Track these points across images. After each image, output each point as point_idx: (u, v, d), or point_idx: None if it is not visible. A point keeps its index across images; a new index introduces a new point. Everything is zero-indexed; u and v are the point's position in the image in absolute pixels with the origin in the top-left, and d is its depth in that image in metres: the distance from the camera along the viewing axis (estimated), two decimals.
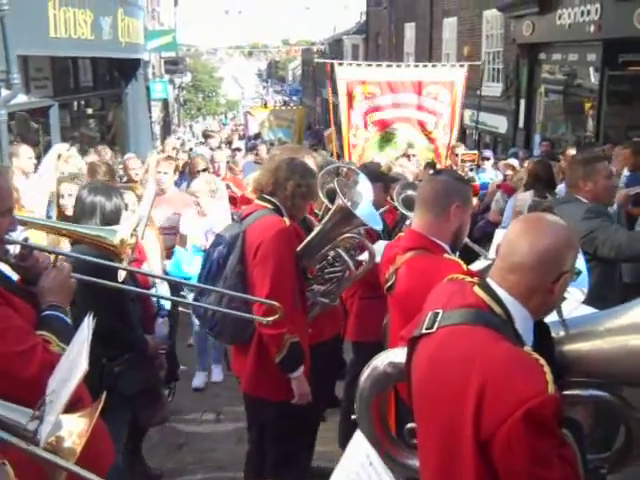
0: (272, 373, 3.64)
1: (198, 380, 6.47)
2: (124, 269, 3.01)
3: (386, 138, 12.03)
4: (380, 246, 4.11)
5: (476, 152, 10.24)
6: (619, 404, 2.15)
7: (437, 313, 2.07)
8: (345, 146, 11.84)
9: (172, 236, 6.36)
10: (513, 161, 10.24)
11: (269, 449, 3.98)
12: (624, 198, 4.86)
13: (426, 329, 2.07)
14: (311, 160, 4.41)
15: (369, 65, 13.08)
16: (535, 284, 1.97)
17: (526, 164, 8.25)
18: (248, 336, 3.71)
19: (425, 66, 13.37)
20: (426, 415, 2.08)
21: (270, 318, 3.27)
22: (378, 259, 3.83)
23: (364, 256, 4.08)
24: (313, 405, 3.84)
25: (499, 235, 4.84)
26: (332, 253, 3.89)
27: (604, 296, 3.59)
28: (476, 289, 2.07)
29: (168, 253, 6.03)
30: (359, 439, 1.72)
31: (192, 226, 6.22)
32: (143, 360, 3.82)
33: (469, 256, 3.52)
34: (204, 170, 7.73)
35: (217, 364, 6.62)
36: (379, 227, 3.97)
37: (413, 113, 12.09)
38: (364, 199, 3.84)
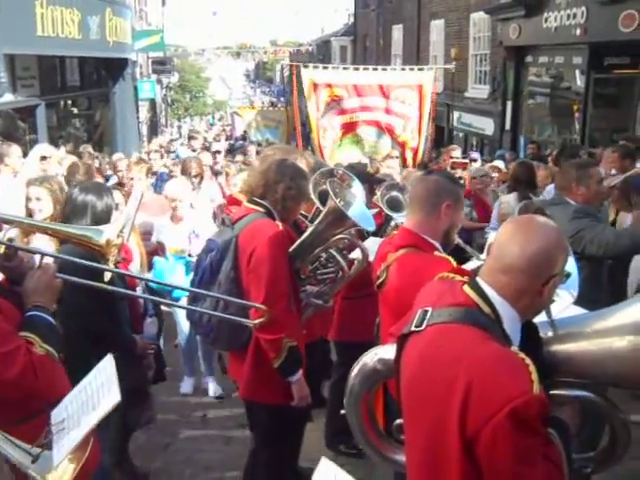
0: (269, 378, 3.63)
1: (186, 386, 6.37)
2: (113, 271, 3.01)
3: (354, 140, 12.02)
4: (371, 244, 4.14)
5: (467, 161, 10.27)
6: (604, 404, 2.18)
7: (426, 311, 2.08)
8: (316, 148, 11.82)
9: (147, 242, 6.18)
10: (499, 163, 10.29)
11: (259, 451, 3.99)
12: (608, 192, 4.92)
13: (415, 327, 2.09)
14: (304, 161, 4.38)
15: (335, 68, 13.07)
16: (525, 286, 1.99)
17: (511, 166, 8.34)
18: (244, 342, 3.69)
19: (393, 69, 13.41)
20: (414, 412, 2.10)
21: (257, 321, 3.28)
22: (371, 258, 3.85)
23: (356, 254, 4.08)
24: (302, 411, 3.86)
25: (493, 237, 4.90)
26: (325, 254, 3.87)
27: (591, 297, 3.62)
28: (466, 288, 2.08)
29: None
30: (325, 463, 1.74)
31: (169, 234, 6.03)
32: (131, 360, 3.82)
33: (460, 257, 3.53)
34: (196, 176, 7.62)
35: (210, 376, 6.36)
36: (372, 228, 3.97)
37: (381, 116, 12.06)
38: (356, 200, 3.84)
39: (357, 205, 3.80)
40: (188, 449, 5.33)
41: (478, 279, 2.08)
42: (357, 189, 3.97)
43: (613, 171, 6.98)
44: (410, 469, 2.16)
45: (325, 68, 12.77)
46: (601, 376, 2.09)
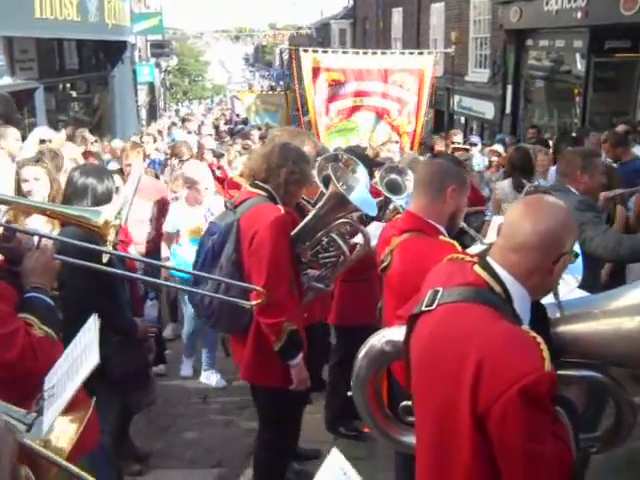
0: (269, 361, 3.64)
1: (186, 369, 6.37)
2: (113, 253, 3.01)
3: (349, 126, 11.97)
4: (373, 229, 4.14)
5: (468, 147, 10.23)
6: (611, 384, 2.19)
7: (437, 291, 2.10)
8: (314, 132, 11.78)
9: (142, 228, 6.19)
10: (498, 147, 10.28)
11: (260, 433, 4.01)
12: (604, 201, 4.79)
13: (426, 306, 2.10)
14: (310, 144, 4.35)
15: (334, 52, 12.97)
16: (536, 264, 2.01)
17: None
18: (245, 325, 3.68)
19: (393, 53, 13.31)
20: (425, 391, 2.11)
21: (254, 302, 3.27)
22: (373, 243, 3.85)
23: (358, 239, 4.08)
24: (303, 394, 3.88)
25: (496, 222, 4.89)
26: (326, 238, 3.86)
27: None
28: (476, 268, 2.10)
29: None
30: (335, 454, 1.75)
31: (185, 216, 5.96)
32: (132, 343, 3.83)
33: (464, 240, 3.54)
34: (187, 160, 7.58)
35: (211, 369, 6.31)
36: (374, 213, 3.96)
37: (378, 101, 12.00)
38: (359, 185, 3.83)
39: (359, 190, 3.79)
40: (188, 431, 5.36)
41: (488, 259, 2.10)
42: (361, 174, 3.95)
43: (608, 160, 6.99)
44: (420, 446, 2.17)
45: (325, 52, 12.69)
46: (609, 356, 2.11)
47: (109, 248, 2.92)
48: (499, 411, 1.80)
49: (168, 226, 6.06)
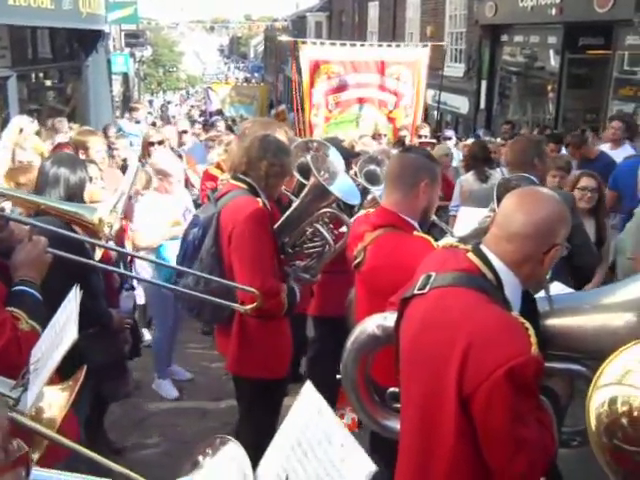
0: (253, 352, 3.65)
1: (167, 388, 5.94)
2: (102, 246, 3.00)
3: (348, 119, 11.98)
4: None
5: (435, 141, 10.29)
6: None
7: (430, 275, 2.14)
8: (307, 126, 11.75)
9: None
10: (471, 142, 10.34)
11: (241, 423, 4.01)
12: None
13: (418, 290, 2.15)
14: (283, 135, 4.35)
15: (333, 44, 12.96)
16: (528, 253, 2.06)
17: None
18: (227, 316, 3.70)
19: (389, 46, 13.32)
20: (414, 372, 2.14)
21: (249, 307, 3.29)
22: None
23: (343, 229, 4.07)
24: (283, 381, 3.89)
25: (464, 213, 4.93)
26: (310, 228, 3.86)
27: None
28: (470, 255, 2.14)
29: None
30: (309, 389, 1.75)
31: (162, 208, 5.67)
32: (108, 334, 3.81)
33: (434, 233, 3.56)
34: (160, 143, 7.43)
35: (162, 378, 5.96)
36: (357, 202, 3.96)
37: (375, 93, 12.04)
38: (339, 174, 3.82)
39: (341, 179, 3.78)
40: (163, 424, 5.34)
41: (482, 246, 2.14)
42: (334, 157, 3.94)
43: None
44: (405, 428, 2.21)
45: (322, 44, 12.70)
46: (595, 351, 2.13)
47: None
48: (485, 393, 1.84)
49: (141, 222, 5.68)
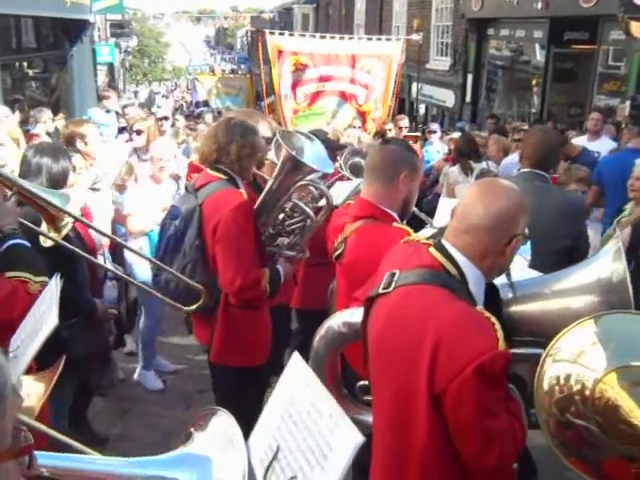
0: (236, 342, 3.66)
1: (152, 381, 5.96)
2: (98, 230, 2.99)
3: (317, 111, 11.95)
4: (338, 189, 4.09)
5: (419, 134, 10.32)
6: None
7: (394, 273, 2.13)
8: (280, 115, 11.74)
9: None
10: (457, 135, 10.37)
11: None
12: None
13: (383, 289, 2.13)
14: (266, 125, 4.33)
15: (302, 35, 12.92)
16: (489, 245, 2.05)
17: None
18: (211, 307, 3.69)
19: (360, 39, 13.30)
20: (383, 372, 2.15)
21: (193, 307, 3.41)
22: (338, 202, 3.85)
23: (323, 202, 4.06)
24: (264, 372, 3.89)
25: (443, 204, 4.95)
26: (289, 204, 3.83)
27: None
28: (431, 250, 2.14)
29: None
30: (296, 361, 1.78)
31: (154, 197, 5.68)
32: (91, 324, 3.80)
33: (415, 225, 3.57)
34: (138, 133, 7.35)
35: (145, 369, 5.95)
36: (330, 170, 3.92)
37: (346, 86, 12.01)
38: (308, 145, 3.78)
39: (310, 149, 3.71)
40: (147, 415, 5.34)
41: (443, 241, 2.13)
42: (319, 149, 3.92)
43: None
44: (377, 427, 2.21)
45: (292, 35, 12.63)
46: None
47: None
48: (456, 389, 1.85)
49: (136, 208, 5.67)
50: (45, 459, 1.44)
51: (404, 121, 10.35)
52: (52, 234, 2.92)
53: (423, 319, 1.97)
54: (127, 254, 5.47)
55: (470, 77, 18.34)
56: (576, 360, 1.57)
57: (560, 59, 14.51)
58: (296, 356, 1.79)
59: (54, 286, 2.07)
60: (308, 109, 11.85)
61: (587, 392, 1.51)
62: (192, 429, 1.69)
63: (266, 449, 1.74)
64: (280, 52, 11.65)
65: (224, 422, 1.69)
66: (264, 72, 12.91)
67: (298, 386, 1.74)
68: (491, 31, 17.53)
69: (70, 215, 2.95)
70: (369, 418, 2.38)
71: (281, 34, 12.57)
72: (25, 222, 2.90)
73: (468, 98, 18.44)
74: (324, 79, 11.85)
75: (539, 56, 15.26)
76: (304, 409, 1.70)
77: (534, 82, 15.80)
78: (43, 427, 1.70)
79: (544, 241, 2.30)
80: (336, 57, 11.85)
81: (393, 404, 2.07)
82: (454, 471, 1.98)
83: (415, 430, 1.97)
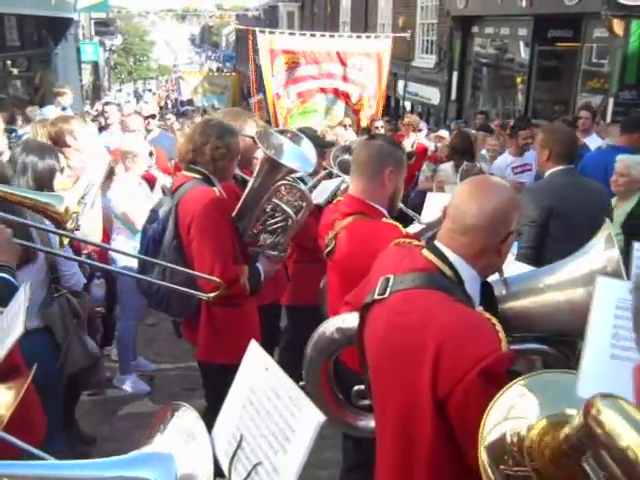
0: (221, 339, 3.66)
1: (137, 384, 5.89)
2: (68, 236, 2.98)
3: (311, 109, 11.95)
4: (323, 187, 4.07)
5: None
6: (558, 356, 2.26)
7: (388, 278, 2.09)
8: (272, 113, 11.72)
9: None
10: (443, 132, 10.41)
11: (212, 413, 4.01)
12: None
13: (379, 295, 2.09)
14: (253, 125, 4.33)
15: (292, 34, 12.91)
16: (484, 244, 2.03)
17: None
18: (195, 307, 3.70)
19: (350, 37, 13.31)
20: (385, 379, 2.12)
21: (212, 294, 3.28)
22: (320, 200, 3.83)
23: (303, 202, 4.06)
24: None
25: (430, 199, 4.97)
26: (269, 205, 3.82)
27: None
28: (425, 252, 2.11)
29: None
30: (254, 348, 1.79)
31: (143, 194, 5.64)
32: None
33: (403, 221, 3.59)
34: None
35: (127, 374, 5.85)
36: (310, 169, 3.92)
37: (339, 84, 12.02)
38: (287, 145, 3.78)
39: (290, 148, 3.71)
40: (136, 414, 5.33)
41: (437, 242, 2.10)
42: (307, 147, 3.93)
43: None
44: (380, 431, 2.19)
45: (282, 34, 12.62)
46: (554, 328, 2.19)
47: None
48: (461, 394, 1.83)
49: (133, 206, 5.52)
50: (3, 468, 1.44)
51: (379, 122, 10.34)
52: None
53: (422, 325, 1.93)
54: (113, 254, 5.41)
55: (455, 75, 18.37)
56: (507, 416, 1.54)
57: (544, 57, 14.57)
58: (253, 343, 1.81)
59: (22, 293, 2.05)
60: (302, 107, 11.84)
61: (523, 440, 1.48)
62: (155, 427, 1.70)
63: (230, 439, 1.76)
64: (272, 51, 11.63)
65: (186, 417, 1.71)
66: (252, 70, 12.86)
67: (257, 373, 1.76)
68: (476, 29, 17.58)
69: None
70: (367, 423, 2.37)
71: (271, 32, 12.55)
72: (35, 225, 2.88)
73: (453, 96, 18.48)
74: (317, 77, 11.85)
75: (524, 54, 15.32)
76: (264, 395, 1.72)
77: (519, 80, 15.86)
78: (10, 437, 1.70)
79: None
80: (328, 55, 11.87)
81: (396, 410, 2.04)
82: (460, 476, 1.96)
83: (420, 436, 1.95)
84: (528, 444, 1.44)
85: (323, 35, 12.95)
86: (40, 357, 3.40)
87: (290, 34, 12.81)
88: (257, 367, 1.78)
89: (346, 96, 11.95)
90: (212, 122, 3.79)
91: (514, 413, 1.53)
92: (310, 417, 1.60)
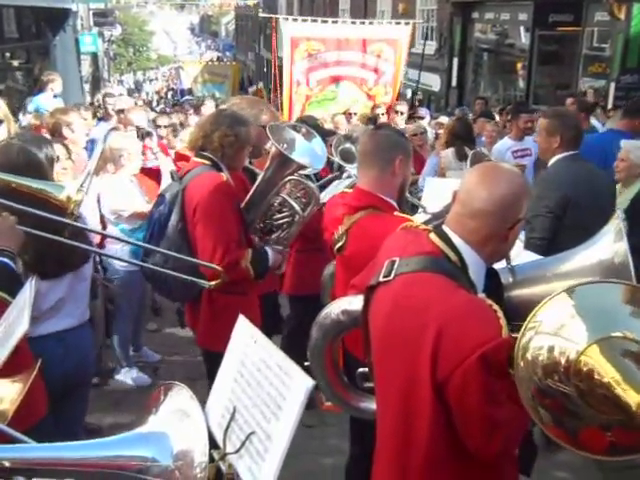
0: (222, 326, 3.64)
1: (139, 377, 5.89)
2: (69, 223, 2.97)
3: (329, 97, 11.91)
4: (333, 187, 4.06)
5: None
6: None
7: (394, 261, 2.10)
8: (286, 104, 11.67)
9: None
10: (443, 119, 10.36)
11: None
12: None
13: (384, 277, 2.10)
14: (269, 114, 4.31)
15: (314, 21, 12.85)
16: (493, 230, 2.03)
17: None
18: (197, 292, 3.69)
19: (371, 23, 13.26)
20: (387, 360, 2.13)
21: (213, 282, 3.26)
22: (326, 199, 3.85)
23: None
24: None
25: (430, 183, 4.95)
26: (277, 200, 3.84)
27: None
28: (432, 236, 2.11)
29: None
30: (242, 323, 1.80)
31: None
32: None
33: (407, 211, 3.57)
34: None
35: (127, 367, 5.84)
36: (320, 166, 3.94)
37: (357, 71, 11.98)
38: (299, 140, 3.79)
39: (300, 145, 3.73)
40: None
41: (444, 227, 2.11)
42: (318, 144, 3.93)
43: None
44: (381, 413, 2.20)
45: (305, 21, 12.57)
46: None
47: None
48: (459, 378, 1.83)
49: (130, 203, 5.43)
50: (5, 452, 1.44)
51: (402, 106, 10.31)
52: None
53: (425, 308, 1.94)
54: (109, 246, 5.37)
55: (456, 61, 18.31)
56: (557, 333, 1.59)
57: (545, 41, 14.51)
58: (241, 318, 1.81)
59: (28, 289, 2.05)
60: (321, 94, 11.80)
61: (570, 363, 1.54)
62: (149, 407, 1.74)
63: (223, 412, 1.81)
64: (293, 38, 11.58)
65: (179, 395, 1.75)
66: (275, 59, 12.82)
67: (246, 347, 1.81)
68: (476, 14, 17.51)
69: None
70: (371, 405, 2.37)
71: (294, 20, 12.52)
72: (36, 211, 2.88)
73: (454, 82, 18.42)
74: (336, 64, 11.80)
75: (524, 39, 15.26)
76: (254, 367, 1.77)
77: (519, 65, 15.81)
78: (13, 432, 1.70)
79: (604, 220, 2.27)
80: (347, 42, 11.80)
81: (396, 393, 2.05)
82: (457, 458, 1.98)
83: (419, 418, 1.96)
84: (577, 367, 1.54)
85: (345, 22, 12.92)
86: (88, 349, 3.50)
87: (312, 21, 12.73)
88: (246, 340, 1.81)
89: (363, 82, 11.90)
90: (225, 112, 3.83)
91: (564, 333, 1.59)
92: (299, 383, 1.64)
